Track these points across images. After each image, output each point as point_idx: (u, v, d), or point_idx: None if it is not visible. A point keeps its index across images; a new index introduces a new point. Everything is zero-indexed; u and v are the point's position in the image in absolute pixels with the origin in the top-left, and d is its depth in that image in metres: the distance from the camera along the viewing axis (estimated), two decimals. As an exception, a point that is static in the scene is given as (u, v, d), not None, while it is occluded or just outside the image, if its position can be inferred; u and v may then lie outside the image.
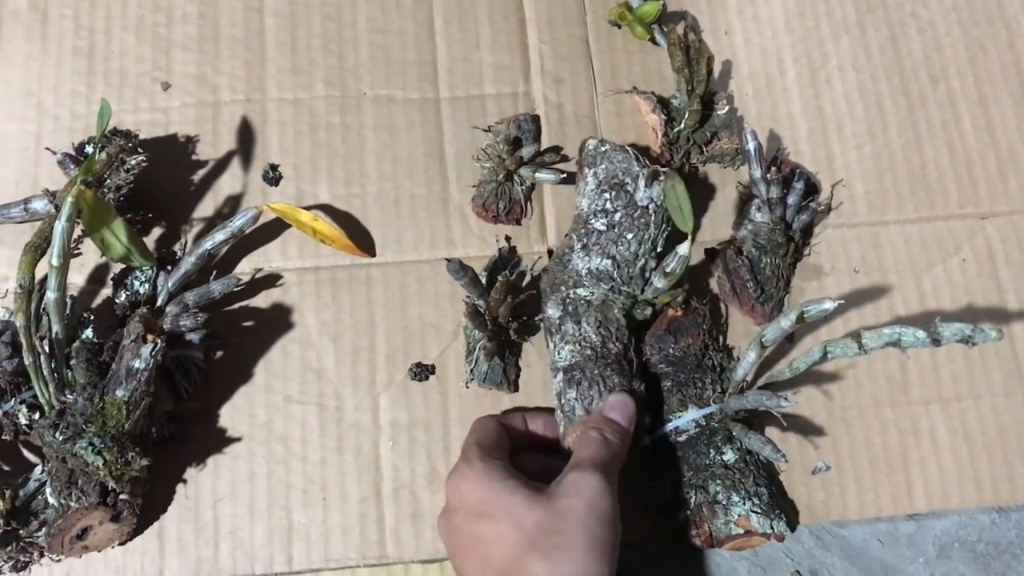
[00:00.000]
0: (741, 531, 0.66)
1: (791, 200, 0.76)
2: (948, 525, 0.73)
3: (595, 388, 0.68)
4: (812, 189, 0.80)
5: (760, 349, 0.67)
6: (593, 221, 0.72)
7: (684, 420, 0.71)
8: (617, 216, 0.72)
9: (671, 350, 0.72)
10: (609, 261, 0.72)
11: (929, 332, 0.61)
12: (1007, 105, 0.83)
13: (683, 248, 0.68)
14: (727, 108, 0.79)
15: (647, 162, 0.72)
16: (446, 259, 0.68)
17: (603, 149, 0.73)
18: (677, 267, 0.69)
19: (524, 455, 0.66)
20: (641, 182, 0.71)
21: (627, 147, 0.73)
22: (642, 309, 0.73)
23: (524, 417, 0.69)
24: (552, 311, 0.72)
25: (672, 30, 0.80)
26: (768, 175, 0.74)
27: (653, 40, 0.83)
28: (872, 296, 0.78)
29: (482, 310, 0.70)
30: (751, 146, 0.74)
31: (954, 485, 0.74)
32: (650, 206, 0.72)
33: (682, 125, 0.78)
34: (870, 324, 0.76)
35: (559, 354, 0.70)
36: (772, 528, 0.66)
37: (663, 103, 0.79)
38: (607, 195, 0.72)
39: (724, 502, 0.67)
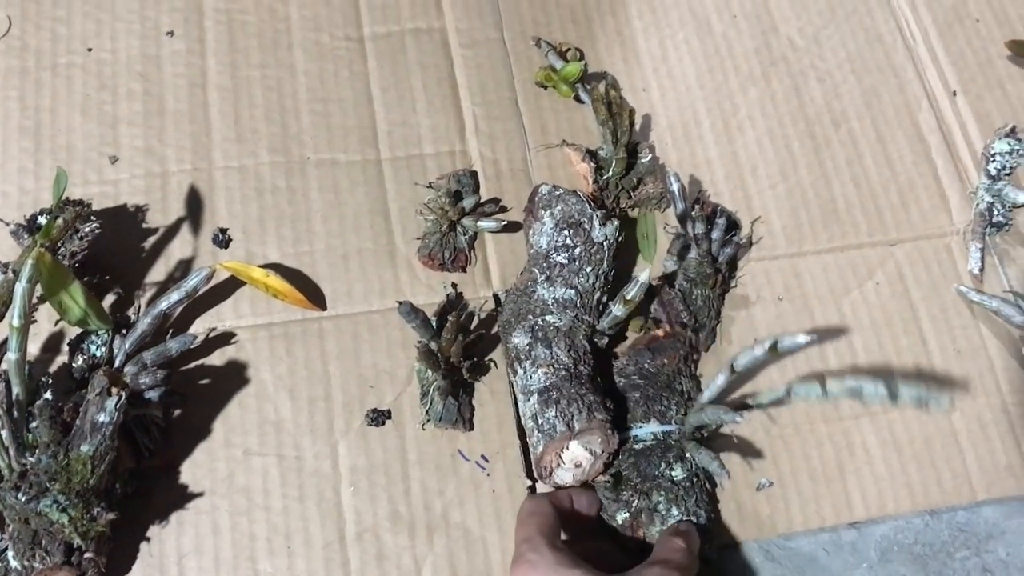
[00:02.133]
0: None
1: (715, 235, 0.82)
2: (886, 530, 0.77)
3: (574, 405, 0.72)
4: (733, 225, 0.86)
5: (729, 373, 0.72)
6: (555, 255, 0.77)
7: (644, 431, 0.74)
8: (577, 251, 0.77)
9: (647, 365, 0.77)
10: (572, 291, 0.76)
11: (888, 387, 0.66)
12: (903, 142, 0.91)
13: (644, 276, 0.73)
14: (650, 156, 0.85)
15: (595, 206, 0.77)
16: (398, 302, 0.71)
17: (557, 193, 0.79)
18: (637, 294, 0.74)
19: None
20: (596, 221, 0.77)
21: (577, 192, 0.78)
22: (599, 339, 0.77)
23: (570, 496, 0.72)
24: (520, 339, 0.75)
25: (595, 87, 0.86)
26: (692, 213, 0.80)
27: (578, 98, 0.89)
28: (797, 321, 0.83)
29: (435, 351, 0.73)
30: (675, 187, 0.79)
31: (889, 492, 0.78)
32: (604, 243, 0.77)
33: (610, 172, 0.84)
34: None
35: (531, 378, 0.73)
36: (703, 550, 0.70)
37: (591, 154, 0.85)
38: (566, 232, 0.77)
39: (663, 512, 0.70)
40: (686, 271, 0.81)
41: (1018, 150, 0.89)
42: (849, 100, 0.93)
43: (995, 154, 0.89)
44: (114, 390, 0.64)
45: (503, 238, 0.83)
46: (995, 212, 0.87)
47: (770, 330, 0.83)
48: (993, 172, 0.88)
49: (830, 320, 0.84)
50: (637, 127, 0.90)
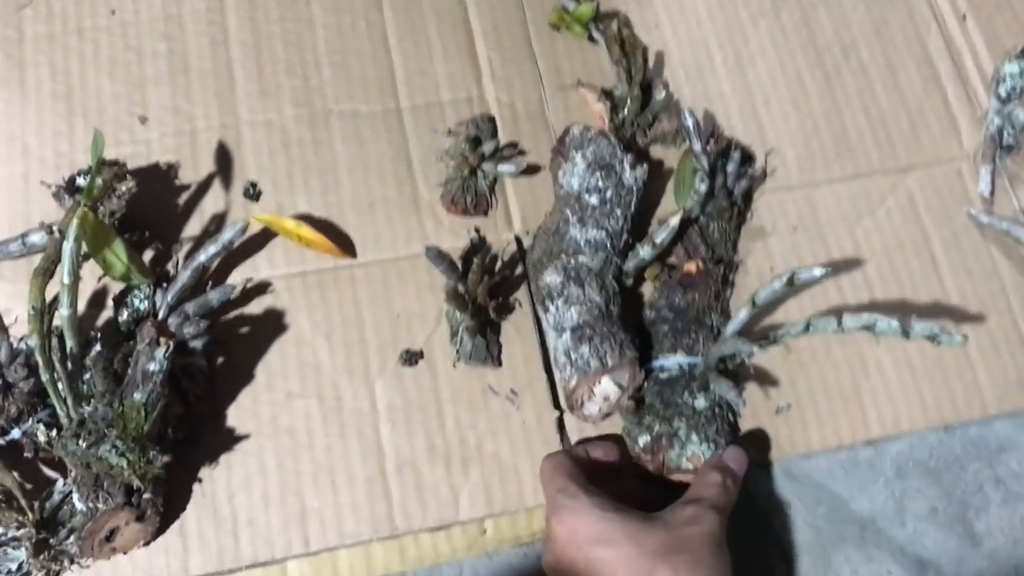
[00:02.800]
0: (691, 467, 0.73)
1: (730, 168, 0.84)
2: (902, 447, 0.81)
3: (607, 343, 0.75)
4: (747, 158, 0.88)
5: (751, 307, 0.75)
6: (587, 196, 0.80)
7: (671, 362, 0.78)
8: (608, 193, 0.79)
9: (677, 299, 0.80)
10: (603, 232, 0.79)
11: (902, 324, 0.69)
12: (912, 69, 0.92)
13: (674, 220, 0.77)
14: (664, 93, 0.87)
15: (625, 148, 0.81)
16: (425, 248, 0.74)
17: (589, 135, 0.81)
18: (667, 238, 0.77)
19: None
20: (627, 164, 0.79)
21: (607, 134, 0.80)
22: (626, 279, 0.80)
23: (585, 448, 0.75)
24: (552, 278, 0.78)
25: (608, 26, 0.88)
26: (707, 148, 0.82)
27: (591, 38, 0.90)
28: (812, 250, 0.86)
29: (462, 292, 0.76)
30: (689, 123, 0.81)
31: (903, 410, 0.82)
32: (634, 186, 0.79)
33: (626, 111, 0.86)
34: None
35: (564, 315, 0.76)
36: None
37: (606, 94, 0.87)
38: (598, 174, 0.80)
39: (683, 438, 0.74)
40: (703, 206, 0.83)
41: (1028, 72, 0.89)
42: (859, 29, 0.94)
43: (1005, 76, 0.90)
44: (162, 340, 0.68)
45: (523, 181, 0.86)
46: (1005, 134, 0.88)
47: (786, 260, 0.85)
48: (1003, 94, 0.90)
49: (844, 248, 0.86)
50: (650, 64, 0.91)
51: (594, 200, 0.79)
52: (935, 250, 0.86)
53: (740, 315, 0.75)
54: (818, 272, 0.69)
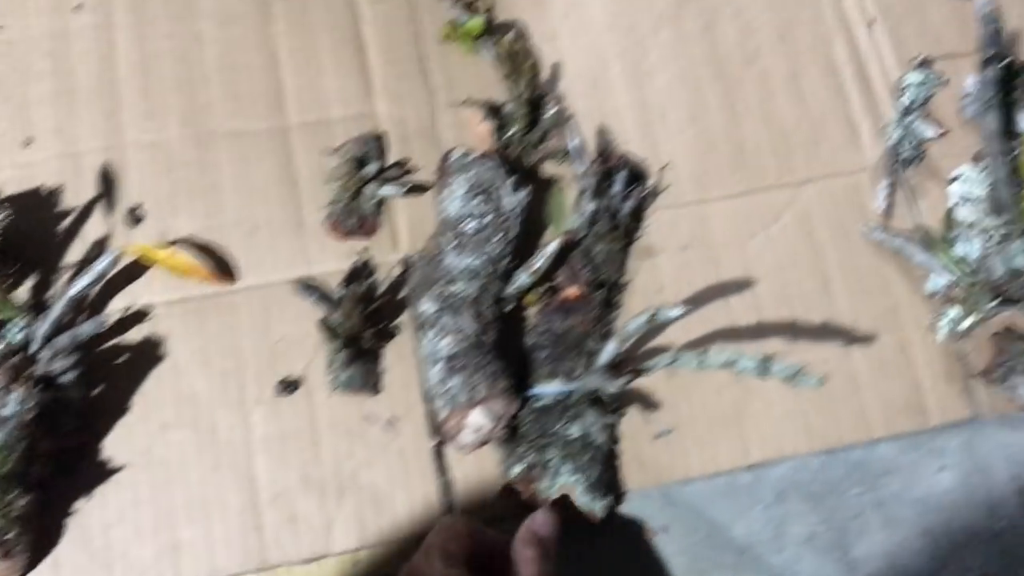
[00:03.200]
0: None
1: (615, 189, 0.83)
2: (784, 471, 0.81)
3: (478, 374, 0.75)
4: (638, 176, 0.86)
5: (619, 341, 0.74)
6: (464, 223, 0.79)
7: (548, 389, 0.78)
8: (487, 219, 0.79)
9: (556, 325, 0.80)
10: (482, 259, 0.78)
11: (761, 363, 0.69)
12: (816, 78, 0.90)
13: (551, 247, 0.77)
14: (556, 109, 0.86)
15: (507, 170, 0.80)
16: (295, 281, 0.74)
17: (469, 158, 0.80)
18: (544, 264, 0.77)
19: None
20: (508, 187, 0.78)
21: (490, 156, 0.79)
22: (506, 305, 0.80)
23: (496, 536, 0.70)
24: (427, 306, 0.78)
25: (499, 40, 0.86)
26: (592, 168, 0.81)
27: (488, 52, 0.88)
28: (702, 269, 0.85)
29: (335, 323, 0.76)
30: (573, 143, 0.80)
31: (787, 434, 0.81)
32: (515, 210, 0.79)
33: (513, 129, 0.84)
34: (704, 293, 0.84)
35: (437, 345, 0.76)
36: (591, 505, 0.73)
37: (493, 111, 0.85)
38: (478, 199, 0.79)
39: (555, 468, 0.74)
40: (589, 227, 0.82)
41: (930, 81, 0.87)
42: (763, 36, 0.92)
43: (907, 86, 0.88)
44: (14, 386, 0.68)
45: (412, 201, 0.85)
46: (904, 147, 0.86)
47: (675, 280, 0.85)
48: (905, 105, 0.88)
49: (735, 266, 0.85)
50: (545, 77, 0.90)
51: (472, 226, 0.78)
52: (829, 268, 0.85)
53: (608, 348, 0.75)
54: (675, 312, 0.68)
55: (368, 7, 0.91)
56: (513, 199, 0.79)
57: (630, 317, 0.78)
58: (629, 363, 0.79)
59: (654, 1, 0.92)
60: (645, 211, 0.87)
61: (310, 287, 0.75)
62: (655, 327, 0.75)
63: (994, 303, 0.79)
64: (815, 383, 0.68)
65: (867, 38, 0.92)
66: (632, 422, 0.80)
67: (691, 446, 0.81)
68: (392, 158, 0.87)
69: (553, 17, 0.92)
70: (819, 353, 0.82)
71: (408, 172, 0.86)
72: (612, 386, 0.75)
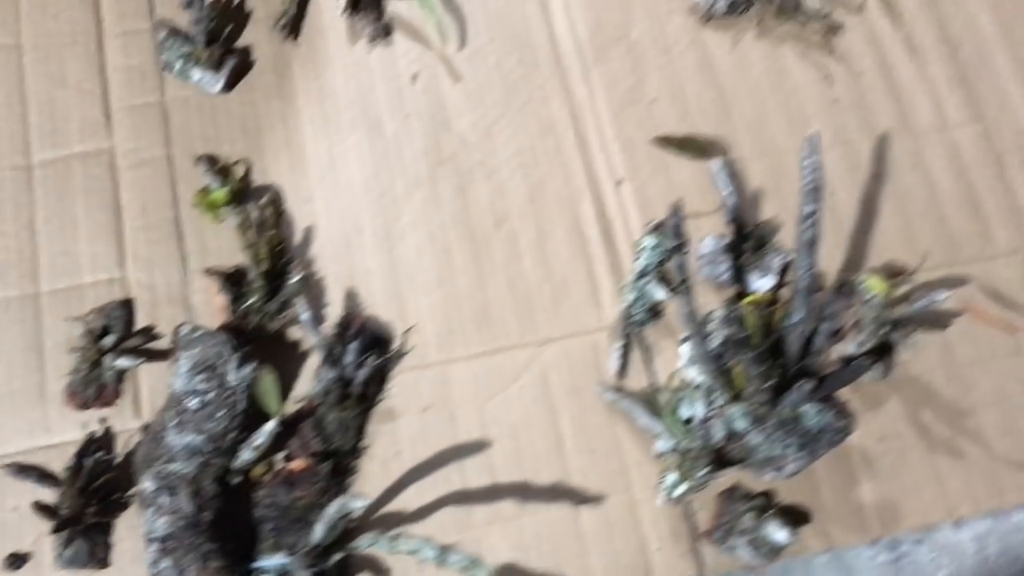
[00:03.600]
0: None
1: (348, 358, 0.85)
2: (507, 634, 0.83)
3: (190, 555, 0.77)
4: (378, 341, 0.89)
5: (325, 526, 0.76)
6: (187, 400, 0.81)
7: (271, 563, 0.79)
8: (210, 395, 0.81)
9: (281, 498, 0.81)
10: (202, 437, 0.80)
11: (440, 553, 0.74)
12: (561, 238, 0.94)
13: (269, 426, 0.79)
14: (299, 277, 0.88)
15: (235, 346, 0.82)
16: (5, 465, 0.75)
17: (197, 334, 0.82)
18: (265, 442, 0.79)
19: None
20: (232, 364, 0.81)
21: (218, 332, 0.81)
22: (232, 478, 0.82)
23: None
24: (147, 484, 0.80)
25: (242, 210, 0.89)
26: (324, 338, 0.83)
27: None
28: (439, 431, 0.88)
29: (54, 503, 0.78)
30: (304, 317, 0.83)
31: (513, 597, 0.83)
32: (240, 386, 0.81)
33: (253, 300, 0.87)
34: (439, 457, 0.87)
35: (154, 524, 0.78)
36: None
37: (233, 281, 0.88)
38: (200, 376, 0.81)
39: None
40: (324, 395, 0.85)
41: (663, 244, 0.91)
42: (514, 197, 0.95)
43: (642, 248, 0.92)
44: None
45: (156, 367, 0.87)
46: (637, 308, 0.90)
47: (413, 443, 0.87)
48: (640, 267, 0.91)
49: (472, 428, 0.88)
50: (298, 241, 0.92)
51: (194, 403, 0.81)
52: (562, 428, 0.88)
53: (316, 530, 0.77)
54: (359, 504, 0.71)
55: (128, 171, 0.93)
56: (238, 375, 0.81)
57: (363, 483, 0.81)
58: (347, 538, 0.81)
59: (410, 163, 0.95)
60: (389, 374, 0.89)
61: (25, 468, 0.76)
62: (346, 516, 0.77)
63: (706, 470, 0.82)
64: (486, 574, 0.70)
65: (614, 198, 0.95)
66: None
67: (415, 613, 0.82)
68: (140, 324, 0.88)
69: (310, 180, 0.95)
70: (548, 514, 0.85)
71: (154, 339, 0.88)
72: (326, 563, 0.77)
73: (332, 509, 0.74)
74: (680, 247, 0.74)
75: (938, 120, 0.99)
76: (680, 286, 0.76)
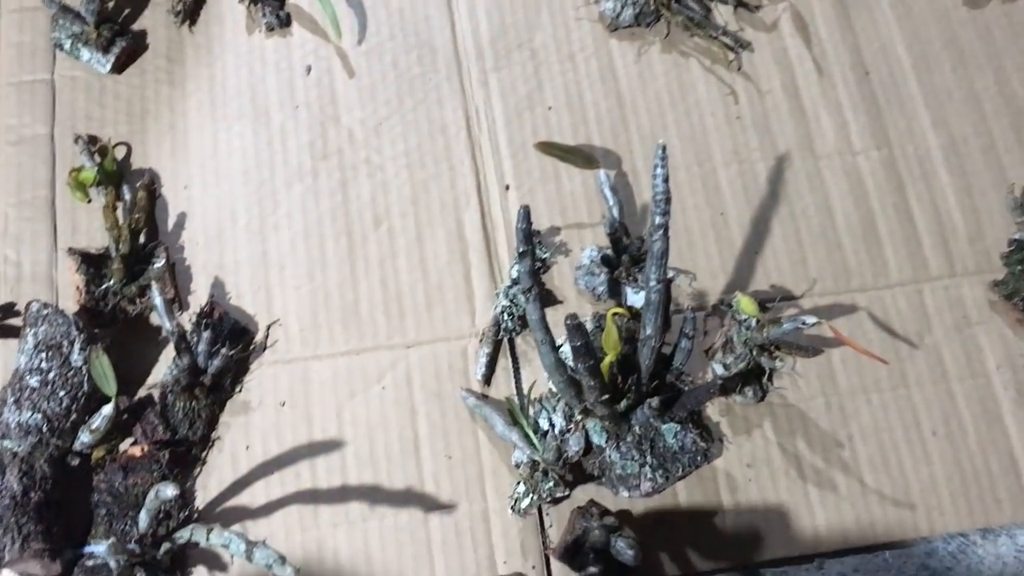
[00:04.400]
0: None
1: (200, 348, 0.83)
2: (340, 641, 0.80)
3: (9, 535, 0.75)
4: (238, 333, 0.87)
5: (148, 514, 0.75)
6: (28, 378, 0.79)
7: (97, 549, 0.77)
8: (51, 375, 0.79)
9: (117, 484, 0.79)
10: (40, 415, 0.79)
11: (248, 548, 0.71)
12: (441, 241, 0.92)
13: (107, 409, 0.77)
14: (162, 262, 0.87)
15: (83, 327, 0.81)
16: None
17: (44, 312, 0.81)
18: (102, 425, 0.77)
19: None
20: (77, 346, 0.79)
21: (66, 312, 0.80)
22: (72, 459, 0.80)
23: None
24: (-21, 461, 0.78)
25: (109, 192, 0.87)
26: (176, 326, 0.81)
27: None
28: (294, 428, 0.86)
29: None
30: (157, 302, 0.81)
31: (349, 602, 0.81)
32: (84, 367, 0.79)
33: (111, 282, 0.85)
34: (291, 454, 0.85)
35: (-15, 503, 0.76)
36: None
37: (94, 261, 0.86)
38: (43, 354, 0.80)
39: None
40: (174, 384, 0.83)
41: (538, 255, 0.89)
42: (397, 196, 0.94)
43: (516, 260, 0.90)
44: None
45: (13, 344, 0.85)
46: (506, 316, 0.88)
47: (265, 438, 0.85)
48: (513, 275, 0.89)
49: (328, 426, 0.86)
50: (170, 226, 0.91)
51: (34, 381, 0.79)
52: (420, 432, 0.86)
53: (141, 518, 0.75)
54: (171, 491, 0.69)
55: (7, 147, 0.92)
56: (81, 355, 0.79)
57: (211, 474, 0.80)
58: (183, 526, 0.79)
59: (293, 155, 0.94)
60: (248, 367, 0.87)
61: None
62: (160, 502, 0.75)
63: (551, 484, 0.80)
64: (290, 574, 0.68)
65: (500, 204, 0.93)
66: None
67: (245, 612, 0.80)
68: (3, 300, 0.87)
69: (190, 167, 0.94)
70: (398, 519, 0.83)
71: (15, 315, 0.86)
72: (156, 553, 0.75)
73: (150, 496, 0.71)
74: (526, 253, 0.72)
75: (842, 143, 0.97)
76: (528, 292, 0.73)
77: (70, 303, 0.87)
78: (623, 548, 0.78)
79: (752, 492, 0.85)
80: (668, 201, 0.72)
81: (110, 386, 0.76)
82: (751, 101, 0.99)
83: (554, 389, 0.83)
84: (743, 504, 0.85)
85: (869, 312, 0.91)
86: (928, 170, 0.96)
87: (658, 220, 0.73)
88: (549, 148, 0.91)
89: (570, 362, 0.78)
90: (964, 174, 0.96)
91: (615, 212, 0.90)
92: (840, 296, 0.92)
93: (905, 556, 0.85)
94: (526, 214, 0.72)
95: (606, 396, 0.74)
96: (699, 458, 0.82)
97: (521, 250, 0.72)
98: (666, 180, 0.71)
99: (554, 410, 0.84)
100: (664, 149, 0.71)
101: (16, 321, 0.86)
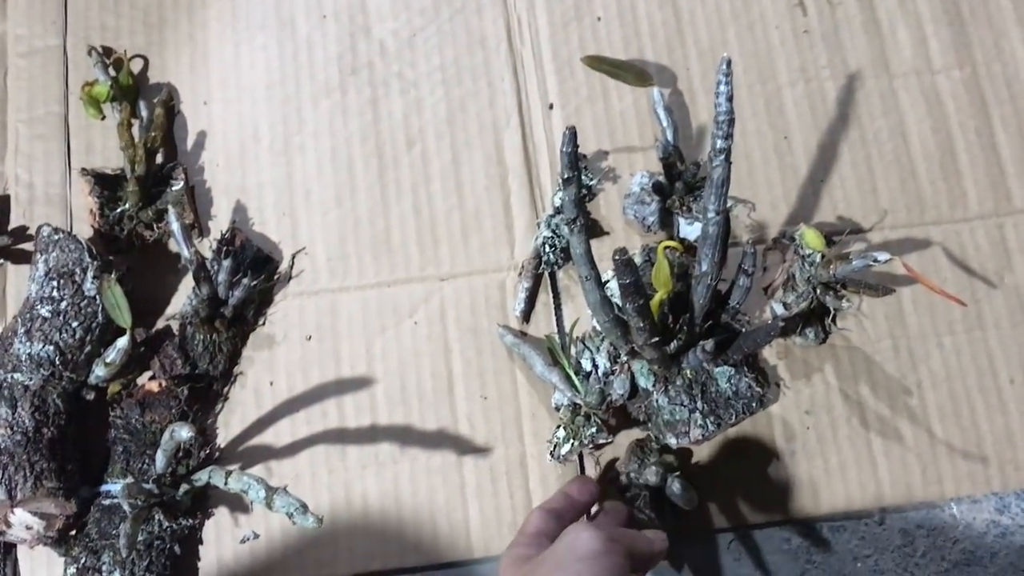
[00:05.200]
0: None
1: (221, 277, 0.78)
2: (370, 586, 0.76)
3: (21, 472, 0.72)
4: (262, 262, 0.81)
5: (164, 455, 0.70)
6: (39, 307, 0.75)
7: (117, 487, 0.74)
8: (63, 304, 0.74)
9: (134, 420, 0.75)
10: (52, 347, 0.74)
11: (268, 495, 0.66)
12: (478, 165, 0.85)
13: (122, 341, 0.72)
14: (181, 184, 0.81)
15: (98, 253, 0.76)
16: None
17: (56, 237, 0.76)
18: (117, 358, 0.72)
19: None
20: (90, 273, 0.74)
21: (79, 238, 0.75)
22: (87, 393, 0.76)
23: (563, 492, 0.72)
24: (-14, 392, 0.74)
25: (124, 107, 0.81)
26: (193, 254, 0.76)
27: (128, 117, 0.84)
28: (321, 363, 0.81)
29: None
30: (174, 227, 0.76)
31: (384, 546, 0.77)
32: (98, 296, 0.74)
33: (126, 206, 0.80)
34: (317, 391, 0.81)
35: (-11, 436, 0.73)
36: None
37: (108, 181, 0.81)
38: (55, 283, 0.75)
39: (105, 574, 0.72)
40: (193, 314, 0.78)
41: (582, 181, 0.82)
42: (431, 115, 0.87)
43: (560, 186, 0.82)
44: None
45: (24, 269, 0.81)
46: (548, 248, 0.81)
47: (290, 374, 0.81)
48: (556, 203, 0.82)
49: (357, 363, 0.81)
50: (189, 145, 0.85)
51: (46, 311, 0.74)
52: (455, 370, 0.81)
53: (158, 459, 0.71)
54: (186, 433, 0.64)
55: (17, 59, 0.86)
56: (93, 285, 0.74)
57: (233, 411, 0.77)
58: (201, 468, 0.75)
59: (320, 69, 0.87)
60: (272, 298, 0.81)
61: None
62: (176, 444, 0.70)
63: (593, 429, 0.74)
64: (312, 523, 0.63)
65: (543, 125, 0.86)
66: (218, 526, 0.76)
67: (277, 553, 0.76)
68: (15, 223, 0.82)
69: (210, 81, 0.87)
70: (430, 462, 0.78)
71: (29, 239, 0.81)
72: (175, 493, 0.71)
73: (164, 437, 0.67)
74: (571, 179, 0.65)
75: (920, 61, 0.88)
76: (573, 223, 0.66)
77: (84, 227, 0.81)
78: (679, 490, 0.73)
79: (810, 441, 0.79)
80: (732, 123, 0.64)
81: (124, 317, 0.71)
82: (820, 13, 0.89)
83: (598, 328, 0.76)
84: (799, 453, 0.79)
85: (944, 248, 0.83)
86: (1016, 92, 0.87)
87: (720, 144, 0.65)
88: (598, 63, 0.83)
89: (617, 300, 0.71)
90: (1057, 97, 0.86)
91: (669, 135, 0.82)
92: (913, 230, 0.84)
93: (975, 512, 0.79)
94: (572, 136, 0.64)
95: (656, 338, 0.67)
96: (754, 404, 0.75)
97: (566, 176, 0.65)
98: (730, 99, 0.63)
99: (597, 350, 0.78)
100: (729, 64, 0.63)
101: (28, 246, 0.81)
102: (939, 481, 0.78)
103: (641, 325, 0.67)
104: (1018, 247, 0.83)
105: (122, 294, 0.70)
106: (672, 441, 0.75)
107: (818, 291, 0.77)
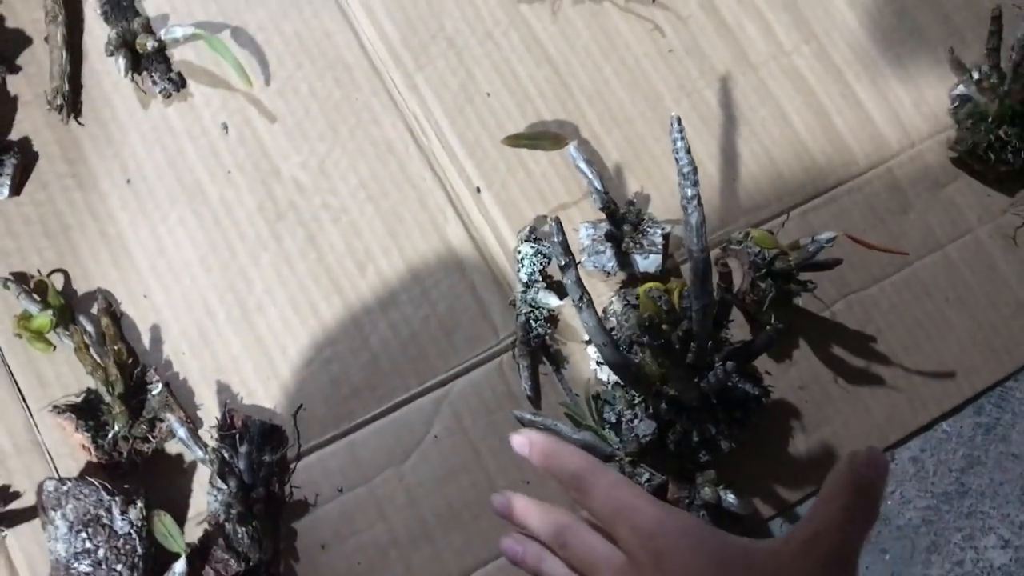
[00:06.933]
0: None
1: (242, 465, 0.76)
2: None
3: None
4: (268, 433, 0.80)
5: None
6: (76, 564, 0.71)
7: None
8: (101, 552, 0.71)
9: None
10: (102, 597, 0.70)
11: None
12: (434, 264, 0.88)
13: (179, 567, 0.70)
14: (159, 387, 0.78)
15: (112, 488, 0.72)
16: None
17: (65, 488, 0.71)
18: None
19: None
20: (116, 510, 0.70)
21: (90, 478, 0.71)
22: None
23: None
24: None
25: (75, 330, 0.77)
26: (211, 450, 0.73)
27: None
28: (363, 510, 0.80)
29: None
30: (181, 433, 0.73)
31: None
32: (131, 530, 0.71)
33: (116, 428, 0.76)
34: (369, 539, 0.79)
35: None
36: None
37: (93, 407, 0.76)
38: (84, 534, 0.71)
39: None
40: (221, 514, 0.75)
41: (542, 249, 0.85)
42: (371, 234, 0.87)
43: (522, 258, 0.86)
44: None
45: (26, 529, 0.75)
46: (532, 322, 0.84)
47: (338, 533, 0.79)
48: (524, 278, 0.85)
49: (396, 497, 0.82)
50: (146, 345, 0.81)
51: (85, 566, 0.70)
52: (489, 468, 0.83)
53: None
54: None
55: (-76, 317, 0.79)
56: (124, 520, 0.71)
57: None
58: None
59: (246, 226, 0.85)
60: (287, 465, 0.80)
61: None
62: None
63: (646, 476, 0.78)
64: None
65: (477, 209, 0.88)
66: None
67: None
68: (-8, 485, 0.76)
69: (141, 272, 0.84)
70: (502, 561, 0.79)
71: (14, 498, 0.76)
72: None
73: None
74: (569, 264, 0.68)
75: (773, 47, 0.97)
76: (580, 301, 0.70)
77: (69, 463, 0.77)
78: (734, 500, 0.79)
79: (811, 412, 0.87)
80: (695, 171, 0.70)
81: (179, 543, 0.69)
82: (676, 30, 0.97)
83: (610, 379, 0.81)
84: (808, 426, 0.86)
85: (851, 204, 0.92)
86: (856, 47, 0.97)
87: (690, 192, 0.70)
88: (516, 140, 0.87)
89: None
90: (891, 45, 0.97)
91: (596, 184, 0.87)
92: (823, 198, 0.93)
93: (960, 422, 0.89)
94: (559, 226, 0.69)
95: (684, 363, 0.73)
96: (763, 399, 0.82)
97: (563, 263, 0.69)
98: (688, 151, 0.69)
99: (613, 399, 0.82)
100: (679, 121, 0.68)
101: (17, 504, 0.76)
102: (924, 406, 0.88)
103: (663, 359, 0.72)
104: (909, 184, 0.94)
105: (172, 522, 0.68)
106: (705, 458, 0.80)
107: (779, 282, 0.84)
